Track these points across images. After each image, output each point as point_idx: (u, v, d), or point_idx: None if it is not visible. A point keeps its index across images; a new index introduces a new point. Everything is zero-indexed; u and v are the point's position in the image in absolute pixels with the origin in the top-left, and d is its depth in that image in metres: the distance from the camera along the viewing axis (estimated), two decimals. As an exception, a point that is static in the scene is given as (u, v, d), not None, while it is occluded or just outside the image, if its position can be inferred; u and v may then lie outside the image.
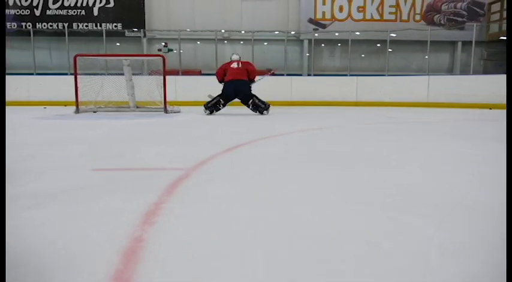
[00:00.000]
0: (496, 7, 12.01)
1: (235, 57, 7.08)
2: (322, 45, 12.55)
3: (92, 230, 1.19)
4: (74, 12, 11.33)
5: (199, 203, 1.53)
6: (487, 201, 1.56)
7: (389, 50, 12.62)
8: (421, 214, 1.40)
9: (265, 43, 12.36)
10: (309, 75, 11.78)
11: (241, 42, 12.33)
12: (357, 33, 11.59)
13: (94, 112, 7.25)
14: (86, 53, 8.60)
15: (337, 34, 11.54)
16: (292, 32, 12.14)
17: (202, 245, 1.10)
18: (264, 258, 1.02)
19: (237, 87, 6.59)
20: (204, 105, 6.72)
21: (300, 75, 12.08)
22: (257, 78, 6.98)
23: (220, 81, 6.89)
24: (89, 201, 1.52)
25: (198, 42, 12.25)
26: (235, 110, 7.23)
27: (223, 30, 11.80)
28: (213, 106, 6.61)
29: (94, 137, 3.60)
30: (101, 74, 8.42)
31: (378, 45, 11.88)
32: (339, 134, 4.05)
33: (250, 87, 6.77)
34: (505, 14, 11.69)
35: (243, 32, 11.40)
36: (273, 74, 7.79)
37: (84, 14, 11.38)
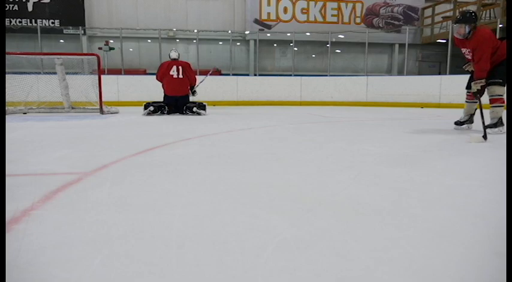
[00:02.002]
0: (428, 12, 12.80)
1: (173, 54, 6.91)
2: (269, 45, 12.74)
3: None
4: (6, 6, 10.66)
5: (73, 208, 1.53)
6: (358, 200, 1.68)
7: (338, 51, 13.09)
8: (282, 212, 1.49)
9: (211, 43, 12.34)
10: (255, 75, 11.93)
11: (187, 41, 12.22)
12: (304, 34, 11.90)
13: (24, 113, 6.90)
14: (16, 51, 8.10)
15: (289, 34, 11.75)
16: (238, 32, 12.22)
17: (46, 254, 1.12)
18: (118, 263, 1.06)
19: (176, 101, 6.65)
20: (145, 105, 6.59)
21: (247, 75, 12.20)
22: (198, 81, 6.97)
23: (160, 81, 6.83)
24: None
25: (142, 41, 11.99)
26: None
27: (168, 29, 11.64)
28: (156, 107, 6.52)
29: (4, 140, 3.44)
30: (35, 73, 8.03)
31: (322, 46, 12.26)
32: (261, 134, 4.16)
33: (189, 98, 6.82)
34: (436, 19, 12.49)
35: (190, 31, 11.30)
36: (214, 73, 7.78)
37: (17, 9, 10.73)
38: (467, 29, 3.90)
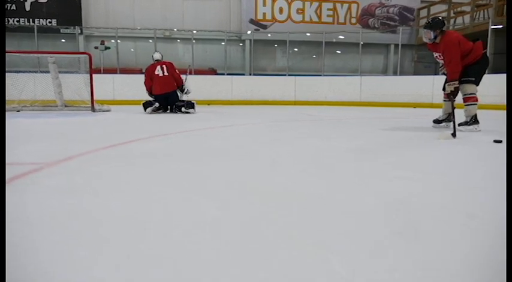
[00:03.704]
0: (424, 13, 12.84)
1: (157, 56, 7.00)
2: (265, 45, 12.82)
3: None
4: (4, 6, 10.82)
5: (23, 192, 1.62)
6: (297, 190, 1.76)
7: (338, 51, 13.16)
8: (217, 198, 1.58)
9: (207, 43, 12.44)
10: (250, 75, 12.01)
11: (183, 41, 12.32)
12: (300, 34, 11.97)
13: (17, 111, 7.02)
14: (10, 50, 8.23)
15: (291, 34, 11.77)
16: (234, 32, 12.32)
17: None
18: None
19: (166, 98, 6.73)
20: (144, 104, 6.71)
21: (243, 74, 12.28)
22: (183, 79, 7.01)
23: (149, 92, 6.92)
24: None
25: (138, 41, 12.11)
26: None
27: (164, 29, 11.75)
28: (153, 110, 6.61)
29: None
30: (31, 72, 8.17)
31: (317, 46, 12.31)
32: (240, 131, 4.24)
33: (178, 95, 6.85)
34: (431, 19, 12.52)
35: (186, 30, 11.39)
36: (190, 72, 7.81)
37: (14, 8, 10.88)
38: (432, 34, 4.04)
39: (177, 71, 6.90)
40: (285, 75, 11.26)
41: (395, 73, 13.03)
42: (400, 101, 9.94)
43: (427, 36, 4.08)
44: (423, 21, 12.97)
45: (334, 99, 10.65)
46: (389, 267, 0.98)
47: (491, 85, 6.85)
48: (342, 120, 5.79)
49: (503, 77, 7.07)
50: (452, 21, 12.05)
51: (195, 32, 11.07)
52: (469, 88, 4.05)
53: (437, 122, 4.53)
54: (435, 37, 4.03)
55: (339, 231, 1.23)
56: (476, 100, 4.09)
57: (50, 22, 11.11)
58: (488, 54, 4.49)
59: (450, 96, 4.06)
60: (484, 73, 4.12)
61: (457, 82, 3.98)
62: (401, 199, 1.58)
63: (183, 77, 6.99)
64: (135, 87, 9.91)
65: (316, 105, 10.41)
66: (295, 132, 4.20)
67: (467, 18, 11.42)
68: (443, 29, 4.06)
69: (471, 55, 4.01)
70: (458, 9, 11.94)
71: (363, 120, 5.78)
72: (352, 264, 0.99)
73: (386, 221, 1.32)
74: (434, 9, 12.31)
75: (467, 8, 11.39)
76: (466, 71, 4.02)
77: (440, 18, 4.19)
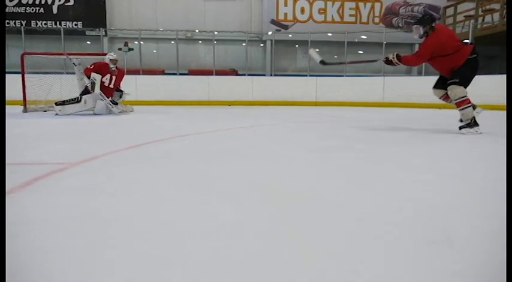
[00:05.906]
0: (450, 11, 12.48)
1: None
2: (286, 46, 12.77)
3: None
4: (32, 9, 11.20)
5: (45, 192, 1.65)
6: (297, 190, 1.73)
7: (360, 52, 12.97)
8: (228, 199, 1.57)
9: (228, 43, 12.49)
10: (271, 75, 11.98)
11: (205, 42, 12.42)
12: (321, 34, 11.85)
13: (44, 111, 7.22)
14: (35, 52, 8.51)
15: (309, 33, 11.71)
16: (255, 33, 12.32)
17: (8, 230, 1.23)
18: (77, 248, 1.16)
19: None
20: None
21: (263, 75, 12.26)
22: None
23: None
24: None
25: (161, 42, 12.29)
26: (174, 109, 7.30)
27: (186, 30, 11.88)
28: None
29: (10, 135, 3.64)
30: (58, 73, 8.40)
31: (339, 47, 12.16)
32: (257, 132, 4.23)
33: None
34: (458, 17, 12.17)
35: (207, 31, 11.48)
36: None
37: (43, 11, 11.25)
38: (421, 31, 3.91)
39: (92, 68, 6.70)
40: (306, 75, 11.17)
41: (420, 73, 12.72)
42: (425, 102, 9.69)
43: (416, 32, 3.96)
44: (450, 20, 12.61)
45: (357, 99, 10.48)
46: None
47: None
48: (362, 121, 5.69)
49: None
50: (480, 19, 11.67)
51: (216, 33, 11.13)
52: (458, 92, 3.85)
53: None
54: (425, 33, 3.89)
55: (341, 233, 1.19)
56: (469, 102, 3.89)
57: (76, 24, 11.43)
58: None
59: (388, 59, 4.04)
60: (473, 76, 3.91)
61: (399, 63, 3.97)
62: (412, 200, 1.53)
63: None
64: (157, 88, 10.08)
65: (337, 105, 10.28)
66: (311, 133, 4.15)
67: (496, 16, 11.02)
68: (433, 25, 3.91)
69: (457, 55, 3.82)
70: (487, 7, 11.54)
71: (380, 121, 5.66)
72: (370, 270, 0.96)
73: (410, 227, 1.27)
74: (461, 7, 11.93)
75: (497, 6, 11.00)
76: (451, 75, 3.86)
77: (429, 14, 4.10)
